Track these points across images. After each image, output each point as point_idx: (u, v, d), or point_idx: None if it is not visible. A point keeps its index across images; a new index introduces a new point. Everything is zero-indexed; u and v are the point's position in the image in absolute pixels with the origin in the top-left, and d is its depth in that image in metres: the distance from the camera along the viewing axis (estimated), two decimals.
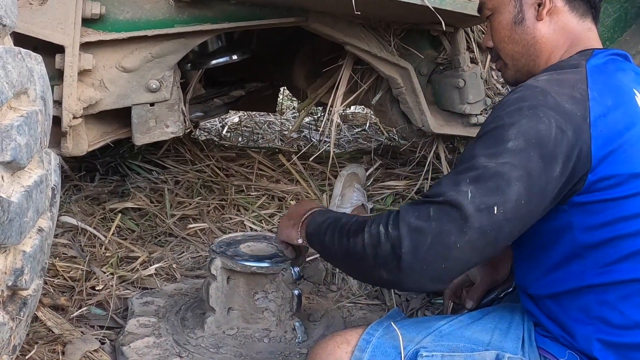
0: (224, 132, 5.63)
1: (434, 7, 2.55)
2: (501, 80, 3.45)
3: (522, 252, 1.99)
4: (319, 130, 5.46)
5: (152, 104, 2.75)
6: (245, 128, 5.80)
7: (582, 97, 1.82)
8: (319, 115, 5.70)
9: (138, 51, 2.67)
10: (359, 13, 2.46)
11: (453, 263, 1.77)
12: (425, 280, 1.80)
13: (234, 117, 5.97)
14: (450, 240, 1.74)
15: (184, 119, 2.89)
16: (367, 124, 5.86)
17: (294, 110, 6.36)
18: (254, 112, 5.96)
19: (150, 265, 3.10)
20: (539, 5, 2.09)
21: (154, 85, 2.70)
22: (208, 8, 2.73)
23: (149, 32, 2.65)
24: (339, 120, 5.58)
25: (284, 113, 6.18)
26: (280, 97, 5.27)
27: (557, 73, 1.94)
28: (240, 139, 5.51)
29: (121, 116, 2.79)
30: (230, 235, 2.70)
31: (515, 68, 2.18)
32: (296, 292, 2.47)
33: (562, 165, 1.76)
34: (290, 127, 5.81)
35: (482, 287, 2.42)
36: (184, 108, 2.87)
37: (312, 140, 5.35)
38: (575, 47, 2.07)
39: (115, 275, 2.97)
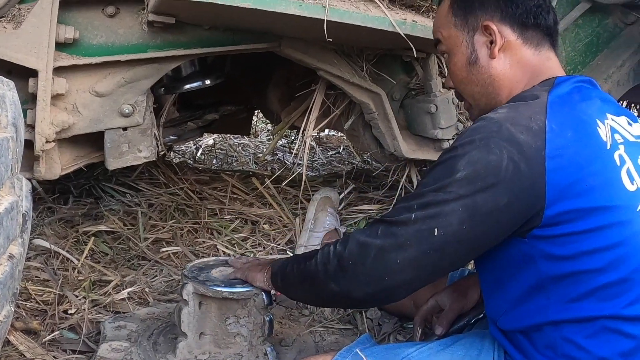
0: (198, 154, 5.62)
1: (405, 34, 2.57)
2: None
3: (489, 282, 2.02)
4: (292, 153, 5.47)
5: (125, 129, 2.75)
6: (219, 150, 5.80)
7: (539, 128, 1.84)
8: (293, 138, 5.72)
9: (111, 76, 2.67)
10: (331, 40, 2.48)
11: (395, 278, 1.87)
12: (371, 291, 1.91)
13: (208, 140, 5.97)
14: (391, 256, 1.86)
15: (157, 144, 2.89)
16: (342, 147, 5.88)
17: (268, 133, 6.37)
18: (228, 135, 5.95)
19: (123, 289, 3.08)
20: (491, 43, 2.10)
21: (126, 110, 2.71)
22: (181, 33, 2.74)
23: (122, 57, 2.65)
24: (312, 143, 5.62)
25: (258, 136, 6.19)
26: (255, 119, 5.27)
27: (517, 105, 1.95)
28: (214, 162, 5.51)
29: (94, 140, 2.78)
30: (202, 260, 2.70)
31: (479, 108, 2.18)
32: (267, 317, 2.47)
33: (513, 195, 1.79)
34: (265, 150, 5.82)
35: (451, 313, 2.44)
36: (156, 133, 2.88)
37: (286, 163, 5.36)
38: (536, 78, 2.07)
39: (87, 299, 2.95)
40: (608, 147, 1.88)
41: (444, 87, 3.25)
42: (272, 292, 2.37)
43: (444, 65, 3.30)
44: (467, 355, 2.04)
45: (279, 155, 5.68)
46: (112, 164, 2.77)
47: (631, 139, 1.97)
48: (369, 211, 3.96)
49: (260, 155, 5.66)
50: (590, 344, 1.85)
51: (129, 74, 2.69)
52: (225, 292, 2.42)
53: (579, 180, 1.80)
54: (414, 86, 3.41)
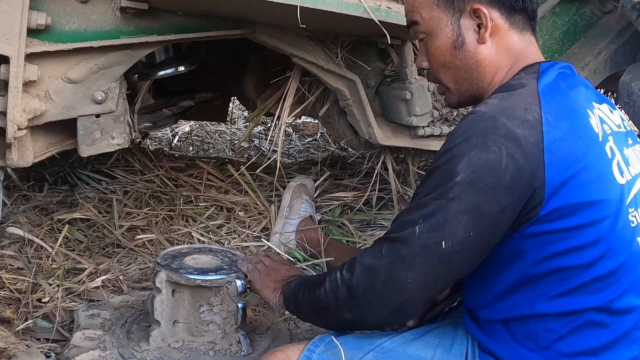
0: (174, 141, 5.60)
1: (379, 21, 2.56)
2: None
3: (474, 275, 1.95)
4: (268, 140, 5.46)
5: (97, 116, 2.72)
6: (196, 137, 5.77)
7: (535, 120, 1.79)
8: (269, 124, 5.70)
9: (84, 62, 2.64)
10: (305, 26, 2.47)
11: (409, 296, 1.83)
12: (387, 315, 1.87)
13: (185, 126, 5.95)
14: (401, 276, 1.80)
15: (130, 131, 2.87)
16: (318, 134, 5.86)
17: (244, 120, 6.34)
18: (204, 122, 5.93)
19: (97, 277, 3.07)
20: (479, 26, 2.02)
21: (99, 97, 2.68)
22: (155, 19, 2.72)
23: (95, 43, 2.62)
24: (289, 130, 5.61)
25: (235, 122, 6.17)
26: (231, 106, 5.25)
27: (507, 95, 1.89)
28: (190, 148, 5.49)
29: (67, 127, 2.76)
30: (175, 247, 2.69)
31: (459, 92, 2.12)
32: (241, 305, 2.46)
33: (514, 195, 1.75)
34: (241, 137, 5.80)
35: None
36: (130, 120, 2.85)
37: (262, 150, 5.34)
38: (519, 63, 2.02)
39: (61, 287, 2.94)
40: (600, 139, 1.85)
41: (419, 74, 3.24)
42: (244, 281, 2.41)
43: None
44: (440, 344, 2.01)
45: (255, 142, 5.66)
46: (85, 151, 2.75)
47: (615, 129, 1.95)
48: (344, 198, 3.96)
49: (237, 141, 5.64)
50: (573, 336, 1.84)
51: (101, 61, 2.67)
52: (198, 279, 2.41)
53: (575, 175, 1.77)
54: (389, 73, 3.40)
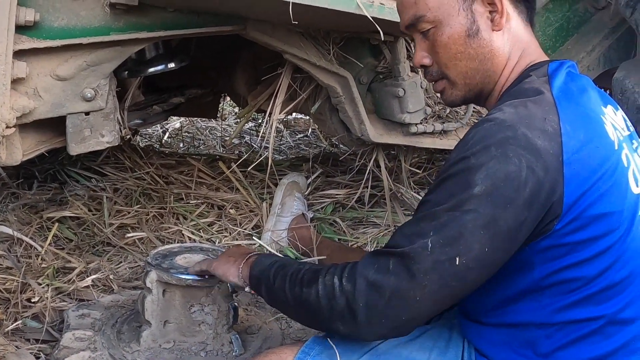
0: (165, 137, 5.57)
1: (372, 17, 2.52)
2: None
3: None
4: (260, 136, 5.43)
5: (87, 113, 2.69)
6: (186, 134, 5.75)
7: (554, 131, 1.71)
8: (260, 120, 5.68)
9: (73, 59, 2.61)
10: (297, 22, 2.43)
11: (414, 314, 1.72)
12: (386, 331, 1.76)
13: (175, 123, 5.92)
14: (409, 295, 1.69)
15: (120, 129, 2.84)
16: (310, 130, 5.83)
17: (235, 116, 6.31)
18: (195, 118, 5.90)
19: (87, 276, 3.04)
20: (492, 13, 1.93)
21: (89, 94, 2.65)
22: (145, 15, 2.68)
23: (84, 40, 2.58)
24: (280, 126, 5.58)
25: (225, 119, 6.14)
26: (222, 102, 5.22)
27: (523, 102, 1.79)
28: (181, 145, 5.47)
29: (56, 125, 2.73)
30: (166, 246, 2.66)
31: (468, 87, 2.00)
32: (232, 305, 2.44)
33: (532, 209, 1.67)
34: (232, 133, 5.77)
35: None
36: (119, 117, 2.82)
37: (253, 146, 5.32)
38: (525, 57, 1.96)
39: (51, 287, 2.91)
40: (616, 147, 1.79)
41: (412, 70, 3.22)
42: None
43: (412, 49, 3.25)
44: (435, 346, 1.97)
45: (246, 138, 5.64)
46: (74, 149, 2.72)
47: (625, 133, 1.90)
48: (336, 196, 3.94)
49: (228, 138, 5.61)
50: (574, 346, 1.80)
51: (91, 57, 2.63)
52: (189, 279, 2.39)
53: (592, 187, 1.70)
54: (381, 70, 3.37)
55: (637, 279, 1.81)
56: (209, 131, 5.91)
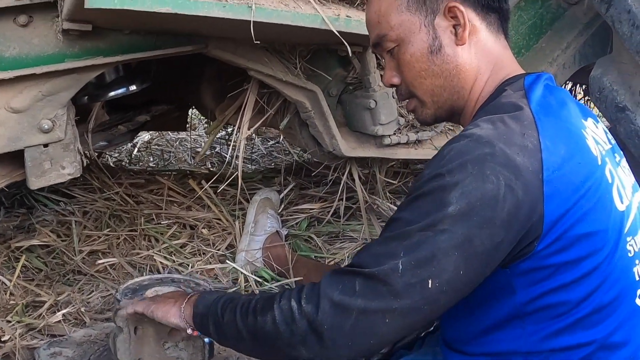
0: (134, 152, 5.47)
1: (339, 31, 2.44)
2: None
3: (455, 311, 1.78)
4: (230, 145, 5.36)
5: (46, 145, 2.59)
6: (156, 147, 5.65)
7: (534, 147, 1.63)
8: (230, 129, 5.59)
9: (27, 90, 2.51)
10: (258, 42, 2.35)
11: (382, 337, 1.63)
12: (353, 353, 1.65)
13: (145, 136, 5.82)
14: (378, 317, 1.59)
15: (81, 159, 2.74)
16: (281, 137, 5.75)
17: (206, 124, 6.23)
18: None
19: (58, 310, 2.95)
20: (455, 27, 1.86)
21: (46, 126, 2.55)
22: (100, 40, 2.58)
23: (38, 70, 2.48)
24: (252, 134, 5.49)
25: (195, 128, 6.05)
26: (191, 113, 5.14)
27: (500, 118, 1.71)
28: (151, 159, 5.37)
29: (15, 158, 2.63)
30: (135, 280, 2.56)
31: (437, 105, 1.94)
32: (207, 340, 2.34)
33: (511, 230, 1.59)
34: (203, 144, 5.69)
35: None
36: (79, 147, 2.72)
37: (224, 157, 5.23)
38: (498, 71, 1.88)
39: (20, 324, 2.82)
40: (599, 162, 1.73)
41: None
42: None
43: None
44: None
45: (217, 148, 5.55)
46: (35, 183, 2.62)
47: (606, 146, 1.83)
48: (311, 210, 3.86)
49: (199, 149, 5.53)
50: None
51: (46, 87, 2.53)
52: None
53: (575, 205, 1.63)
54: (351, 80, 3.29)
55: (626, 300, 1.74)
56: (179, 143, 5.82)
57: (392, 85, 2.03)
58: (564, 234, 1.63)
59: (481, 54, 1.89)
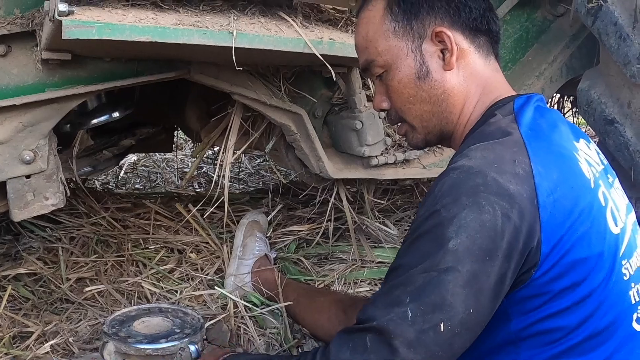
0: (121, 174, 5.43)
1: (322, 55, 2.41)
2: None
3: None
4: (217, 165, 5.34)
5: (28, 177, 2.56)
6: (142, 168, 5.62)
7: (526, 173, 1.61)
8: (217, 148, 5.58)
9: (8, 121, 2.47)
10: (241, 68, 2.32)
11: None
12: None
13: (131, 157, 5.79)
14: None
15: (65, 189, 2.71)
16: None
17: (192, 144, 6.21)
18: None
19: (46, 341, 2.90)
20: (443, 52, 1.86)
21: (28, 157, 2.51)
22: (81, 68, 2.55)
23: (18, 100, 2.44)
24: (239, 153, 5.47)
25: (182, 148, 6.02)
26: (176, 133, 5.11)
27: (490, 145, 1.69)
28: (138, 180, 5.33)
29: None
30: (123, 310, 2.54)
31: (426, 130, 1.94)
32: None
33: (512, 259, 1.56)
34: (190, 164, 5.66)
35: None
36: (62, 177, 2.68)
37: (211, 176, 5.20)
38: (488, 94, 1.87)
39: (8, 357, 2.77)
40: (592, 185, 1.70)
41: (369, 100, 3.10)
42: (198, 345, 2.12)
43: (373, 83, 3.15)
44: None
45: (204, 167, 5.52)
46: (18, 215, 2.59)
47: (599, 168, 1.80)
48: (299, 232, 3.82)
49: (186, 169, 5.49)
50: None
51: (26, 118, 2.50)
52: (148, 349, 2.27)
53: (569, 230, 1.60)
54: (337, 101, 3.26)
55: (623, 324, 1.71)
56: (165, 163, 5.80)
57: (382, 110, 2.02)
58: (559, 260, 1.60)
59: (470, 78, 1.88)
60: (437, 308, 1.54)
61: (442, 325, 1.54)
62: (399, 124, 2.02)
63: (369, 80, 3.22)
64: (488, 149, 1.67)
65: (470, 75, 1.88)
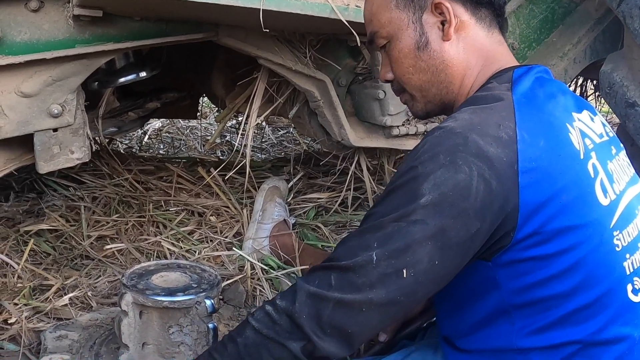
0: (145, 139, 5.48)
1: (348, 21, 2.44)
2: None
3: (447, 306, 1.83)
4: (240, 134, 5.37)
5: (55, 130, 2.60)
6: (166, 134, 5.66)
7: (510, 138, 1.64)
8: (240, 118, 5.61)
9: (37, 75, 2.52)
10: (268, 30, 2.36)
11: (361, 327, 1.63)
12: (335, 344, 1.64)
13: (155, 123, 5.83)
14: (355, 308, 1.60)
15: (90, 144, 2.75)
16: (292, 126, 5.76)
17: (216, 112, 6.24)
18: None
19: (65, 294, 2.95)
20: (443, 23, 1.89)
21: (56, 110, 2.56)
22: (111, 26, 2.59)
23: (48, 55, 2.49)
24: (262, 123, 5.50)
25: (206, 117, 6.06)
26: (201, 101, 5.14)
27: (479, 109, 1.72)
28: (162, 146, 5.38)
29: (25, 142, 2.65)
30: (142, 264, 2.57)
31: (426, 100, 1.97)
32: (211, 325, 2.34)
33: (484, 220, 1.59)
34: (213, 132, 5.69)
35: None
36: (89, 132, 2.73)
37: (234, 145, 5.24)
38: (490, 65, 1.89)
39: (27, 307, 2.83)
40: (582, 156, 1.72)
41: None
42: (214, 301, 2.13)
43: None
44: None
45: (227, 136, 5.56)
46: (44, 167, 2.63)
47: (598, 140, 1.82)
48: (319, 199, 3.86)
49: (209, 137, 5.53)
50: None
51: (56, 72, 2.54)
52: (165, 301, 2.29)
53: (553, 197, 1.63)
54: (361, 71, 3.30)
55: (617, 295, 1.73)
56: (189, 131, 5.83)
57: (386, 81, 2.07)
58: (542, 227, 1.63)
59: (471, 49, 1.90)
60: (401, 255, 1.58)
61: (405, 271, 1.58)
62: (401, 95, 2.06)
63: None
64: (476, 112, 1.71)
65: (470, 46, 1.91)
